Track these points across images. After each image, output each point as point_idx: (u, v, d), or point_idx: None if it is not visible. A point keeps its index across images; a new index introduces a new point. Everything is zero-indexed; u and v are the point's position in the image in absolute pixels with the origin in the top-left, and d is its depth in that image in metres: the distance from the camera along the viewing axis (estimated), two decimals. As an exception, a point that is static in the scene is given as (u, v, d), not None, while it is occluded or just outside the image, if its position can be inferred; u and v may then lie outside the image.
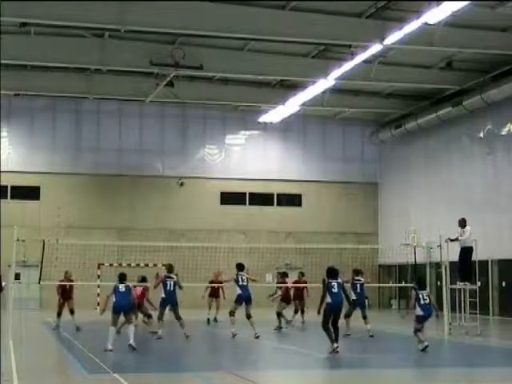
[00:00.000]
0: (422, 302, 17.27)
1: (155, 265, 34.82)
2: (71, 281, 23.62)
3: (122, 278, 17.52)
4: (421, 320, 17.26)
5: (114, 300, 17.02)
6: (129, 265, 32.21)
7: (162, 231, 36.64)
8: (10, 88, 32.77)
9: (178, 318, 19.73)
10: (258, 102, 36.05)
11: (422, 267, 32.09)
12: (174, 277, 19.97)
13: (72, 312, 22.99)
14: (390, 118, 38.74)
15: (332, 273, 16.50)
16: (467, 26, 25.75)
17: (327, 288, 16.19)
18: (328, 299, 16.15)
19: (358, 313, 21.16)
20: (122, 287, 17.13)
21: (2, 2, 22.56)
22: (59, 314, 23.00)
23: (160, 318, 19.67)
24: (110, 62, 29.60)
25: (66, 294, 23.15)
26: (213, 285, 26.05)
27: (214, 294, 26.29)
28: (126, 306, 16.97)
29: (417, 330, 17.22)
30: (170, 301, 19.67)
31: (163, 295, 19.70)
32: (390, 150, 40.17)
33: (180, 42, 28.33)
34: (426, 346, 16.75)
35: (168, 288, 19.65)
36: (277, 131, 39.56)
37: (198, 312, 26.08)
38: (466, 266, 21.73)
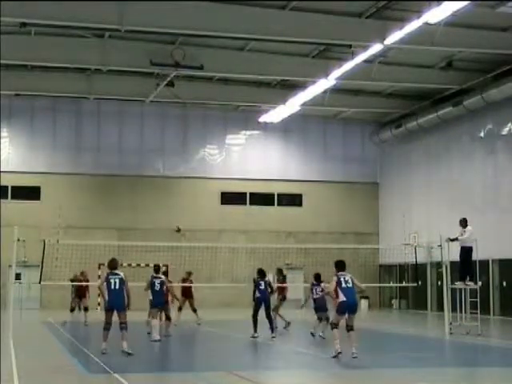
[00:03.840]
0: None
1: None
2: (87, 280, 25.57)
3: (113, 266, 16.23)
4: None
5: (107, 298, 16.00)
6: (129, 265, 32.20)
7: (163, 231, 36.62)
8: (10, 88, 32.82)
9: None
10: (259, 101, 36.06)
11: (422, 267, 32.09)
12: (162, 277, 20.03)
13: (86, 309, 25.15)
14: (390, 118, 38.74)
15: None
16: (467, 26, 25.75)
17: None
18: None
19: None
20: (114, 281, 15.87)
21: (1, 2, 22.57)
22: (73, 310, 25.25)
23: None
24: (110, 62, 29.58)
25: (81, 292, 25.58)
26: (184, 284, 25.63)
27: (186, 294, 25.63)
28: (120, 304, 15.87)
29: None
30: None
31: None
32: (390, 150, 40.18)
33: (180, 42, 28.33)
34: None
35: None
36: (277, 131, 39.56)
37: (199, 312, 26.00)
38: (465, 265, 21.73)
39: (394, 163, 39.79)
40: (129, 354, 15.42)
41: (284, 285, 23.78)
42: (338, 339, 15.22)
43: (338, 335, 15.28)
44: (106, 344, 15.68)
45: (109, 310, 15.93)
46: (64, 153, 37.29)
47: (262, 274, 20.52)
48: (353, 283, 15.41)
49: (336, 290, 15.30)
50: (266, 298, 20.15)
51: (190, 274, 25.76)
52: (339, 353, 15.06)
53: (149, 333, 19.49)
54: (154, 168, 38.19)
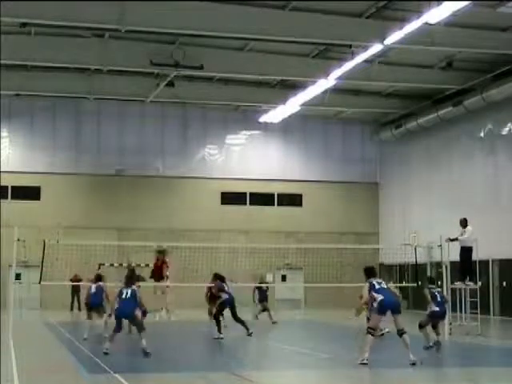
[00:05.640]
0: (438, 299, 17.62)
1: (156, 265, 34.82)
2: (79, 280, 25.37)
3: (128, 280, 16.68)
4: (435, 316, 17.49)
5: (116, 306, 16.22)
6: (129, 265, 32.15)
7: (163, 231, 36.58)
8: (11, 88, 32.80)
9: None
10: (259, 101, 36.05)
11: (422, 267, 32.06)
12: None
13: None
14: (390, 118, 38.73)
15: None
16: (467, 26, 25.74)
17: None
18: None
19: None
20: (125, 292, 16.24)
21: (1, 2, 22.57)
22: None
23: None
24: (110, 62, 29.58)
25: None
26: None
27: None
28: (129, 313, 16.12)
29: (423, 326, 17.33)
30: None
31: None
32: (390, 150, 40.16)
33: (180, 42, 28.32)
34: (434, 344, 16.81)
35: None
36: (277, 131, 39.55)
37: (199, 312, 26.00)
38: (465, 265, 21.75)
39: (394, 163, 39.78)
40: (146, 353, 15.32)
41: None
42: (369, 347, 14.35)
43: (370, 343, 14.42)
44: (109, 344, 15.79)
45: (117, 318, 16.16)
46: (64, 153, 37.27)
47: (221, 278, 20.79)
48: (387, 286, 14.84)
49: (372, 296, 14.53)
50: (231, 300, 20.38)
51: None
52: (365, 363, 14.16)
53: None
54: (153, 168, 38.16)
